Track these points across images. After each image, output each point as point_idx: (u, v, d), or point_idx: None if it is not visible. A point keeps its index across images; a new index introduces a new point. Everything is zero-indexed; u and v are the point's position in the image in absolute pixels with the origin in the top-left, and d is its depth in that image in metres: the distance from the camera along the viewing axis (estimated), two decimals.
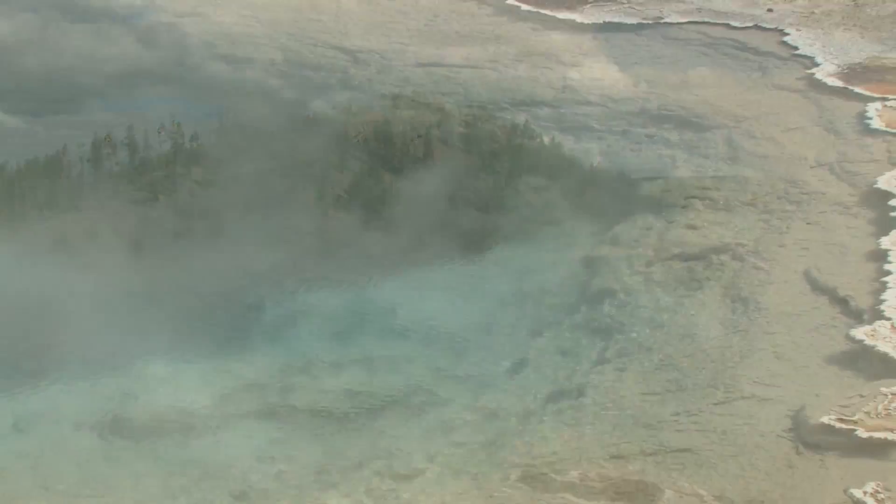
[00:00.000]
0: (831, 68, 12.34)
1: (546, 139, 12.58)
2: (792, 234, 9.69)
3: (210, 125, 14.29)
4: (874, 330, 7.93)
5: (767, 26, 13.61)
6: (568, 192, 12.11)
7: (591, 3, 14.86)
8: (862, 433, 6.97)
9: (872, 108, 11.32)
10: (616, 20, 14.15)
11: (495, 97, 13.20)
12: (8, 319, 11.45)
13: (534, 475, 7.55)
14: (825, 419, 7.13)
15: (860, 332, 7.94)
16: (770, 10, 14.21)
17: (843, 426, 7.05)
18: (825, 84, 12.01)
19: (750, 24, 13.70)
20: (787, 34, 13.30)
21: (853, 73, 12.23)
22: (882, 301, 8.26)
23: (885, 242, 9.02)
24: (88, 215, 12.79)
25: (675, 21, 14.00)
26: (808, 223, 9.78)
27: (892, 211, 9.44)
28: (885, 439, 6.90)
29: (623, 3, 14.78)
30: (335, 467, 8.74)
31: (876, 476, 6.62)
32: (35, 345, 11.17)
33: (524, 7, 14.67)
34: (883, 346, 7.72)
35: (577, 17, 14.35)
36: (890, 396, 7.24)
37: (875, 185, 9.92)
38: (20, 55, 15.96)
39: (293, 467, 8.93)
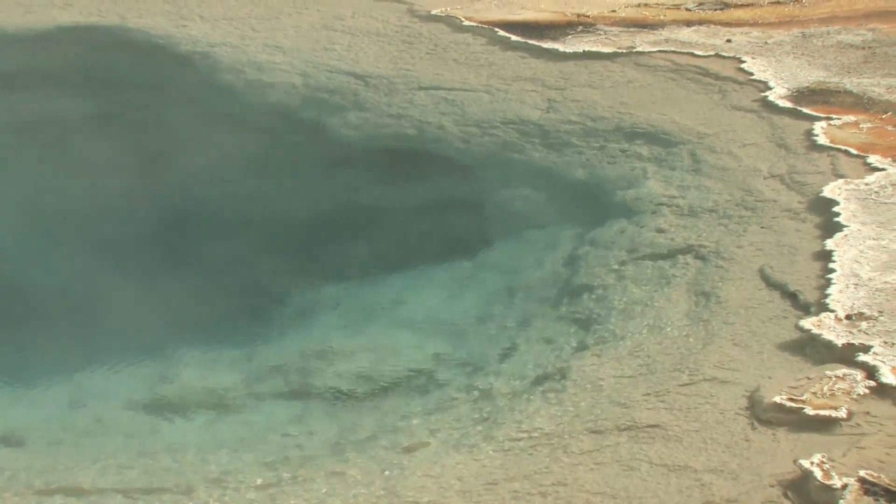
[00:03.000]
0: (782, 91, 12.35)
1: (533, 153, 12.57)
2: (748, 236, 9.68)
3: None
4: (820, 321, 7.94)
5: (726, 55, 13.60)
6: (552, 199, 12.10)
7: (571, 34, 14.87)
8: (809, 411, 6.98)
9: (818, 127, 11.31)
10: (594, 49, 14.14)
11: (488, 116, 13.18)
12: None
13: (522, 448, 7.56)
14: (777, 399, 7.14)
15: (808, 323, 7.95)
16: (729, 41, 14.23)
17: (793, 405, 7.06)
18: (777, 105, 12.00)
19: (711, 53, 13.69)
20: (744, 61, 13.30)
21: (802, 95, 12.24)
22: (827, 295, 8.26)
23: (829, 244, 9.01)
24: None
25: (645, 50, 13.99)
26: (762, 227, 9.78)
27: (836, 217, 9.42)
28: (830, 416, 6.91)
29: (600, 35, 14.79)
30: (348, 441, 8.75)
31: (821, 448, 6.63)
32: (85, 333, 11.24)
33: (513, 38, 14.67)
34: (828, 335, 7.73)
35: (559, 46, 14.35)
36: (834, 379, 7.24)
37: (821, 194, 9.92)
38: None
39: (312, 440, 8.93)
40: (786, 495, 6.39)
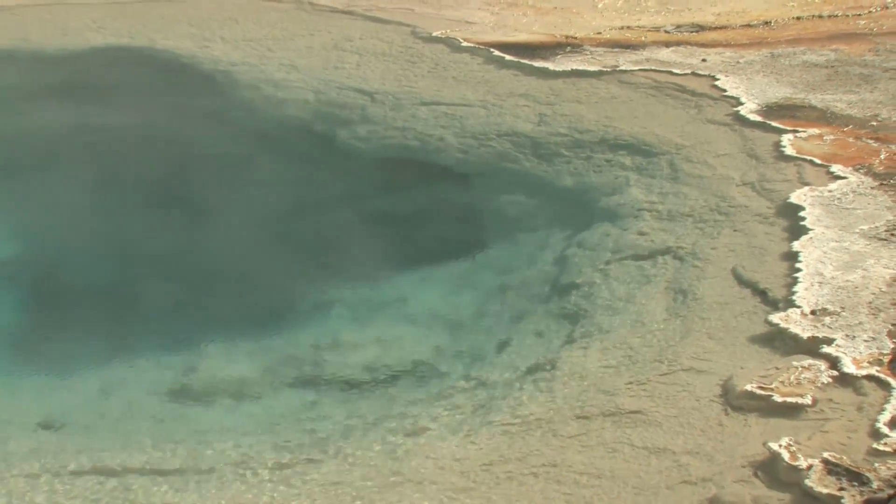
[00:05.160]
0: (753, 106, 12.38)
1: (525, 163, 12.59)
2: (722, 239, 9.71)
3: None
4: (787, 315, 7.97)
5: (702, 73, 13.62)
6: (542, 205, 12.12)
7: (560, 54, 14.89)
8: (777, 398, 7.01)
9: (786, 139, 11.35)
10: (581, 68, 14.17)
11: (484, 129, 13.20)
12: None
13: (516, 432, 7.57)
14: (748, 387, 7.17)
15: (776, 318, 7.98)
16: (704, 60, 14.25)
17: (763, 392, 7.08)
18: (748, 119, 12.03)
19: (688, 71, 13.72)
20: (718, 79, 13.32)
21: (770, 110, 12.27)
22: (794, 293, 8.29)
23: (796, 246, 9.05)
24: None
25: (628, 68, 14.01)
26: (734, 230, 9.80)
27: (802, 221, 9.47)
28: (796, 403, 6.94)
29: (587, 55, 14.80)
30: (357, 426, 8.74)
31: (788, 432, 6.66)
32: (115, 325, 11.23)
33: (507, 57, 14.69)
34: (794, 329, 7.76)
35: (549, 65, 14.38)
36: (800, 369, 7.27)
37: (788, 200, 9.96)
38: None
39: (323, 425, 8.92)
40: (756, 475, 6.41)
